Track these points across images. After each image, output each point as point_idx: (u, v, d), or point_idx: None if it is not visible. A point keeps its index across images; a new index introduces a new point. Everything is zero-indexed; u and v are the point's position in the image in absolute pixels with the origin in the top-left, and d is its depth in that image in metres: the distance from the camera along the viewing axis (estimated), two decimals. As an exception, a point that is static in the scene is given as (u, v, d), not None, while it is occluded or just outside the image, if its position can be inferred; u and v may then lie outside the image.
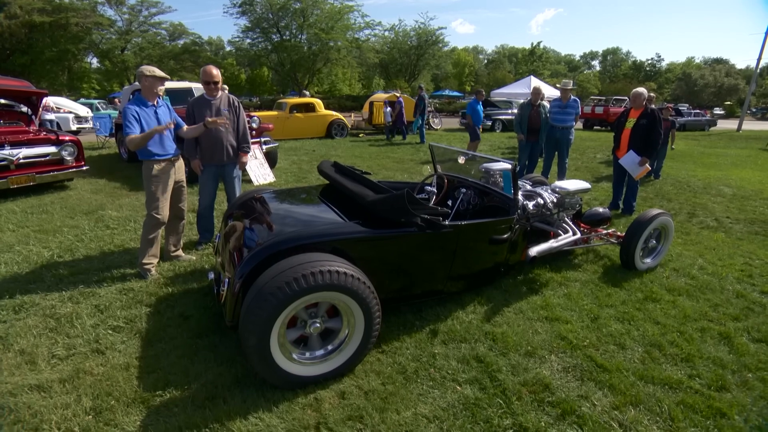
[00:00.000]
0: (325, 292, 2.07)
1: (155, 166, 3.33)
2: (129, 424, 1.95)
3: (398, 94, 14.86)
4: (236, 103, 3.97)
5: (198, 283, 3.34)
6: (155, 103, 3.38)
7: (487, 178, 3.60)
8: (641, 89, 5.30)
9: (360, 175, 3.12)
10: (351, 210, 2.72)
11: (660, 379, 2.31)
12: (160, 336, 2.63)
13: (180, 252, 3.80)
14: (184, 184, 3.68)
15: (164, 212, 3.41)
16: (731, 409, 2.10)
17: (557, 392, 2.20)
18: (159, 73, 3.32)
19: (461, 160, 3.65)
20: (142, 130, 3.21)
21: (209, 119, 3.47)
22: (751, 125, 27.72)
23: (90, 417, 1.98)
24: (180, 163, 3.58)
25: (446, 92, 40.11)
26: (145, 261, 3.42)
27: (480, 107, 9.57)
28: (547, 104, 6.77)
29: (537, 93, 6.70)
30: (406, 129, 13.84)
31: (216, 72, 3.74)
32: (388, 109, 13.80)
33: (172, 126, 3.38)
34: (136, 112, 3.22)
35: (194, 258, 3.80)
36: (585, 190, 3.87)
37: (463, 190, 3.60)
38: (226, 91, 4.01)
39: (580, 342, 2.64)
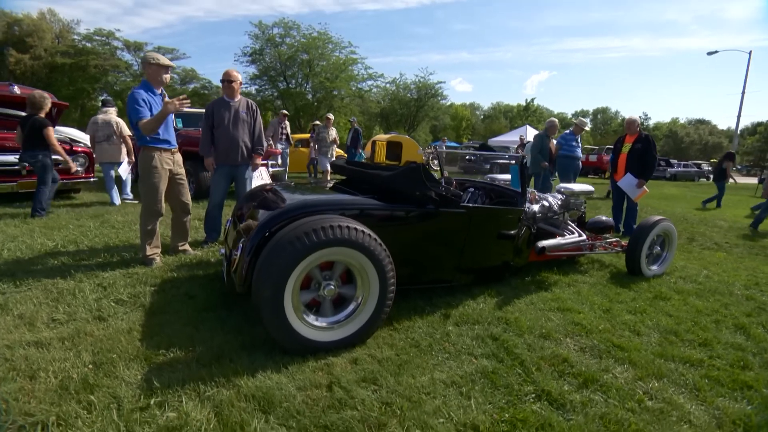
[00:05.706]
0: (341, 247, 2.06)
1: (155, 154, 3.29)
2: (130, 376, 1.85)
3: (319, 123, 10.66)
4: (254, 107, 4.15)
5: (204, 270, 3.29)
6: (161, 92, 3.37)
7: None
8: (634, 116, 5.61)
9: (374, 164, 3.21)
10: (366, 191, 2.77)
11: (680, 358, 2.25)
12: (165, 309, 2.55)
13: (187, 247, 3.77)
14: (184, 178, 3.63)
15: (161, 204, 3.37)
16: (757, 382, 2.03)
17: (577, 366, 2.12)
18: (164, 61, 3.29)
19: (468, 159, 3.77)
20: (151, 115, 3.17)
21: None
22: (738, 180, 28.58)
23: (89, 368, 1.88)
24: (178, 156, 3.56)
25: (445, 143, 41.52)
26: (148, 252, 3.37)
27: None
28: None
29: (554, 126, 6.95)
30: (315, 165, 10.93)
31: (236, 73, 3.95)
32: (312, 143, 10.61)
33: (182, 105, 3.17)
34: (145, 97, 3.20)
35: (200, 254, 3.76)
36: (589, 193, 3.96)
37: (471, 189, 3.68)
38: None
39: (595, 327, 2.58)
